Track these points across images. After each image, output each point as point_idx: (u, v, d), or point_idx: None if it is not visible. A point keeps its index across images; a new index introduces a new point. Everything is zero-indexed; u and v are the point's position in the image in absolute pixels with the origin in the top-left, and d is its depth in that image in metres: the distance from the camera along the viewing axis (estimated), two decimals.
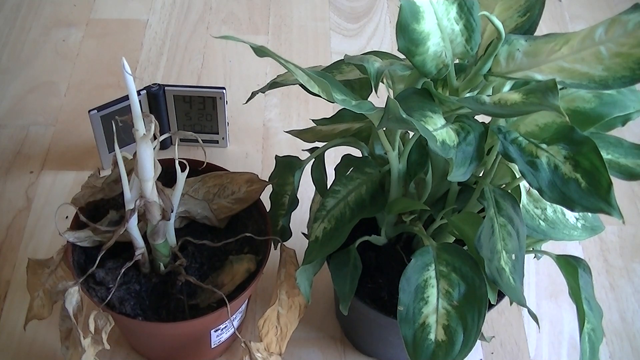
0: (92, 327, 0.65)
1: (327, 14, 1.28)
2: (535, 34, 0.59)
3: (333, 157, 0.77)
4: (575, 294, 0.64)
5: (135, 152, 0.61)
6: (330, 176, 0.71)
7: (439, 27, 0.58)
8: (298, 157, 0.75)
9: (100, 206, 0.76)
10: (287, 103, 1.11)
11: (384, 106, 0.52)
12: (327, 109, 1.07)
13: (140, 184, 0.63)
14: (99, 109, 0.92)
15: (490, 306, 0.67)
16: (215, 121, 1.00)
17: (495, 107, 0.54)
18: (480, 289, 0.60)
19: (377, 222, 0.72)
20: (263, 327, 0.69)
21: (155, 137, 0.62)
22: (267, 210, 0.75)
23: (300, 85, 0.59)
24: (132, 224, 0.67)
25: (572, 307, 0.89)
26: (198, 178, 0.77)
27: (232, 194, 0.76)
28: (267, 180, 0.76)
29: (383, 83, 0.64)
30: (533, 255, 0.70)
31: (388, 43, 1.23)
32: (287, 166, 0.74)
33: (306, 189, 0.80)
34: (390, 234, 0.73)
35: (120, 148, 0.62)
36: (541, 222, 0.66)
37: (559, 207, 0.68)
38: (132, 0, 1.27)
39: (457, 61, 0.61)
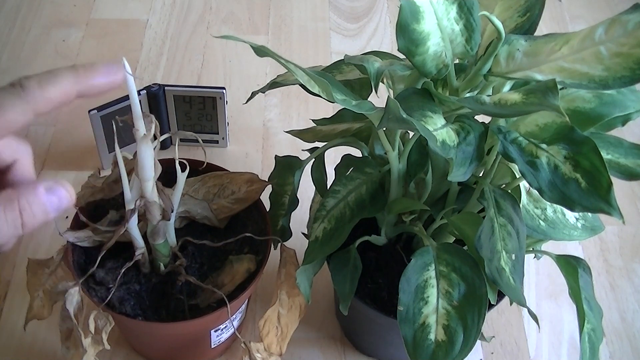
0: (92, 327, 0.64)
1: (327, 14, 1.28)
2: (535, 34, 0.59)
3: (333, 157, 0.77)
4: (575, 294, 0.64)
5: (135, 152, 0.61)
6: (330, 176, 0.71)
7: (439, 27, 0.58)
8: (298, 157, 0.75)
9: (100, 206, 0.76)
10: (287, 103, 1.11)
11: (384, 106, 0.52)
12: (327, 109, 1.07)
13: (140, 184, 0.63)
14: (99, 109, 0.92)
15: (490, 306, 0.67)
16: (215, 121, 1.00)
17: (495, 107, 0.54)
18: (480, 289, 0.60)
19: (377, 222, 0.72)
20: (264, 327, 0.69)
21: (155, 137, 0.62)
22: (267, 210, 0.75)
23: (300, 85, 0.59)
24: (132, 224, 0.67)
25: (572, 307, 0.89)
26: (198, 178, 0.77)
27: (232, 194, 0.76)
28: (267, 180, 0.76)
29: (383, 83, 0.64)
30: (533, 255, 0.70)
31: (388, 43, 1.23)
32: (287, 166, 0.74)
33: (306, 189, 0.80)
34: (390, 234, 0.73)
35: (120, 148, 0.62)
36: (541, 222, 0.66)
37: (559, 207, 0.68)
38: (132, 0, 1.27)
39: (457, 61, 0.61)
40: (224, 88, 0.97)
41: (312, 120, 0.77)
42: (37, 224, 0.47)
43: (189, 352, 0.77)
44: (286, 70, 0.62)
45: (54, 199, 0.47)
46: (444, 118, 0.58)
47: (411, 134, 0.68)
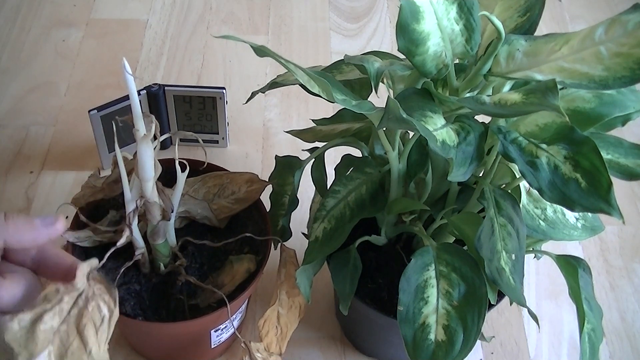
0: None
1: (327, 14, 1.28)
2: (535, 34, 0.59)
3: (333, 157, 0.77)
4: (575, 294, 0.64)
5: (136, 152, 0.61)
6: (330, 176, 0.71)
7: (439, 27, 0.58)
8: (298, 157, 0.75)
9: (100, 206, 0.76)
10: (287, 103, 1.11)
11: (384, 106, 0.52)
12: (327, 109, 1.07)
13: (140, 184, 0.63)
14: (99, 109, 0.92)
15: (490, 306, 0.67)
16: (215, 121, 1.00)
17: (495, 107, 0.54)
18: (480, 289, 0.60)
19: (377, 222, 0.72)
20: (263, 327, 0.69)
21: (155, 137, 0.62)
22: (267, 210, 0.75)
23: (300, 85, 0.59)
24: (133, 224, 0.67)
25: (572, 307, 0.89)
26: (198, 178, 0.77)
27: (232, 194, 0.76)
28: (267, 180, 0.76)
29: (383, 83, 0.64)
30: (533, 255, 0.70)
31: (388, 43, 1.23)
32: (287, 166, 0.74)
33: (306, 189, 0.80)
34: (390, 234, 0.73)
35: (120, 148, 0.62)
36: (541, 222, 0.66)
37: (559, 207, 0.68)
38: (132, 0, 1.27)
39: (457, 61, 0.61)
40: (224, 88, 0.97)
41: (312, 120, 0.77)
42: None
43: (189, 352, 0.77)
44: (286, 70, 0.62)
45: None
46: (444, 118, 0.58)
47: (411, 134, 0.68)
